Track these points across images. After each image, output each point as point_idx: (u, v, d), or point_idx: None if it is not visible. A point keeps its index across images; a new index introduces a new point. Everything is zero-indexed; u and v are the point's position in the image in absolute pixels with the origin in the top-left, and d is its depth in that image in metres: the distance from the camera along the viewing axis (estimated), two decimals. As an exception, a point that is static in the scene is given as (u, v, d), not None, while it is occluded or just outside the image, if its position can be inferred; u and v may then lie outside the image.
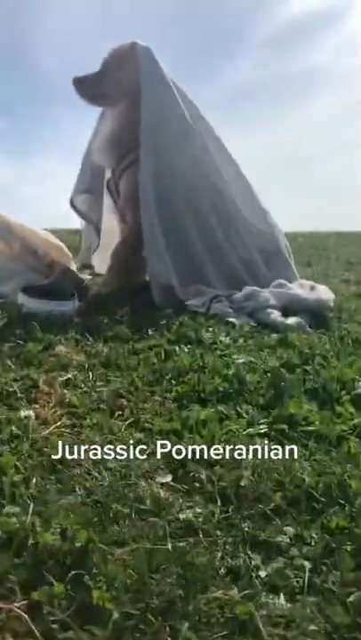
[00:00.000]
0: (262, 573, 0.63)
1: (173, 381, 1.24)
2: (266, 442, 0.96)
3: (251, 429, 1.02)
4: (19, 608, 0.53)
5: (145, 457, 0.87)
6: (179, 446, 0.88)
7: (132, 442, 0.93)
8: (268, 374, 1.31)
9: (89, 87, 2.23)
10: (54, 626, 0.51)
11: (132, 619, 0.53)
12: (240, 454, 0.87)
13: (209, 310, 2.00)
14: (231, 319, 1.91)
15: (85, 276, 2.59)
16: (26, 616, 0.52)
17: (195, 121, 2.27)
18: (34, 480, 0.75)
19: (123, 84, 2.18)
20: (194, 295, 2.10)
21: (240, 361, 1.42)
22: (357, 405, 1.14)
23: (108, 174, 2.38)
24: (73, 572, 0.57)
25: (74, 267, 2.47)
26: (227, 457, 0.87)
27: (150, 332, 1.66)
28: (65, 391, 1.14)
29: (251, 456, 0.88)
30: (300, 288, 2.13)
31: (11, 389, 1.10)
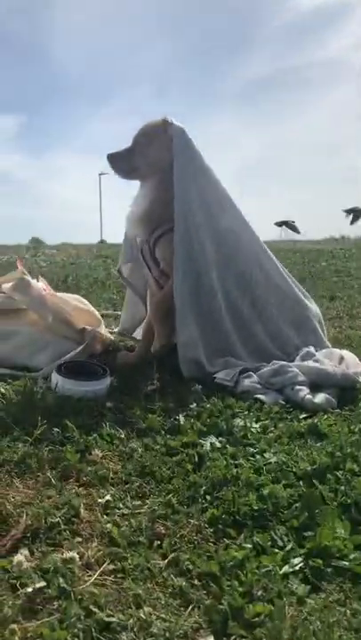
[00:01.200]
0: None
1: (208, 497, 1.28)
2: (302, 586, 1.00)
3: (286, 567, 1.05)
4: None
5: (187, 613, 0.91)
6: (219, 605, 0.91)
7: (171, 590, 0.97)
8: (301, 482, 1.35)
9: (121, 162, 2.30)
10: None
11: None
12: (278, 611, 0.91)
13: (237, 385, 2.03)
14: (260, 396, 1.94)
15: (112, 336, 2.65)
16: None
17: (226, 199, 2.32)
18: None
19: (153, 161, 2.23)
20: (222, 367, 2.14)
21: (272, 460, 1.46)
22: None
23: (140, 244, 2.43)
24: None
25: (103, 328, 2.53)
26: (266, 614, 0.90)
27: (182, 421, 1.70)
28: (105, 517, 1.18)
29: (288, 608, 0.92)
30: (328, 359, 2.15)
31: (54, 520, 1.14)
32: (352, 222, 19.47)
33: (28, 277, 2.33)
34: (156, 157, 2.23)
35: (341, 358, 2.17)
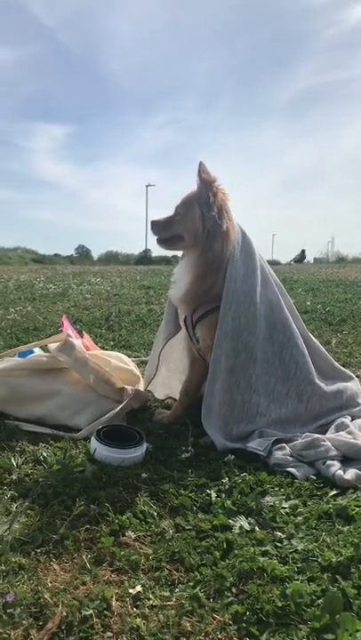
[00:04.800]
0: None
1: (234, 589, 1.33)
2: None
3: None
4: None
5: None
6: None
7: None
8: (326, 576, 1.39)
9: (161, 230, 2.39)
10: None
11: None
12: None
13: (270, 455, 2.08)
14: (292, 470, 1.99)
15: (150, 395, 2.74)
16: None
17: (265, 268, 2.41)
18: None
19: (191, 229, 2.30)
20: (256, 437, 2.20)
21: (299, 548, 1.51)
22: None
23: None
24: None
25: (142, 385, 2.62)
26: None
27: (213, 497, 1.76)
28: (135, 610, 1.25)
29: None
30: (361, 431, 2.18)
31: (87, 612, 1.22)
32: None
33: (72, 339, 2.45)
34: (194, 227, 2.28)
35: (375, 429, 2.19)
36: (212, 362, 2.27)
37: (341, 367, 2.64)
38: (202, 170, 2.27)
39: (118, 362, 2.62)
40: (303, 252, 21.87)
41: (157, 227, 2.44)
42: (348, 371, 2.66)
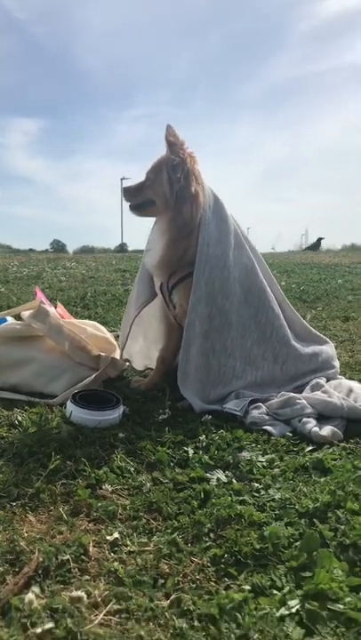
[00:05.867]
0: None
1: (212, 535, 1.34)
2: (297, 629, 1.05)
3: (283, 609, 1.10)
4: None
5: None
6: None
7: (172, 632, 1.02)
8: (303, 521, 1.40)
9: (132, 196, 2.37)
10: None
11: None
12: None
13: (246, 415, 2.09)
14: (268, 428, 2.00)
15: (127, 364, 2.72)
16: None
17: (239, 232, 2.40)
18: None
19: (161, 194, 2.28)
20: (233, 398, 2.20)
21: (277, 497, 1.51)
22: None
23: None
24: None
25: (118, 354, 2.61)
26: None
27: (190, 454, 1.76)
28: (112, 554, 1.24)
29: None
30: (337, 391, 2.19)
31: (64, 557, 1.20)
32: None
33: (46, 306, 2.41)
34: (164, 192, 2.27)
35: (350, 391, 2.21)
36: (186, 327, 2.26)
37: (317, 332, 2.65)
38: (169, 133, 2.25)
39: (94, 330, 2.60)
40: (319, 240, 21.93)
41: (129, 193, 2.43)
42: (323, 335, 2.67)
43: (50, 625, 1.00)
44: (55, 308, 2.74)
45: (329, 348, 2.58)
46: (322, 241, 21.56)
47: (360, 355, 3.32)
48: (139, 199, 2.40)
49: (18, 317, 2.62)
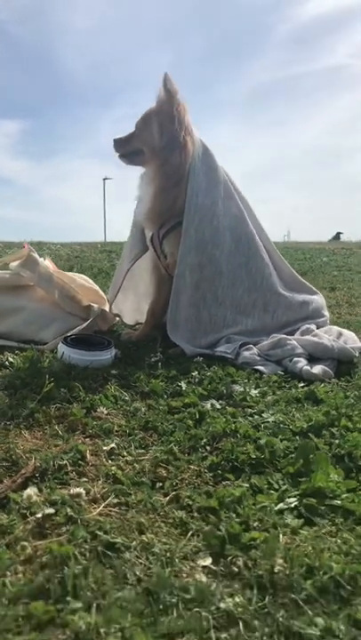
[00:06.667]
0: (296, 666, 0.72)
1: (208, 447, 1.34)
2: (296, 519, 1.05)
3: (281, 504, 1.11)
4: None
5: (187, 539, 0.97)
6: (217, 532, 0.97)
7: (171, 521, 1.03)
8: (298, 437, 1.41)
9: (122, 147, 2.37)
10: None
11: None
12: (273, 538, 0.96)
13: (238, 357, 2.10)
14: (259, 367, 2.00)
15: (117, 318, 2.71)
16: None
17: (229, 183, 2.40)
18: (91, 570, 0.85)
19: (149, 142, 2.28)
20: (224, 342, 2.20)
21: (270, 420, 1.52)
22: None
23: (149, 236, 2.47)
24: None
25: (107, 307, 2.59)
26: (261, 540, 0.96)
27: (184, 386, 1.76)
28: (110, 461, 1.24)
29: (282, 536, 0.98)
30: (327, 334, 2.21)
31: (62, 462, 1.20)
32: None
33: (35, 255, 2.39)
34: (152, 140, 2.27)
35: (340, 334, 2.23)
36: (175, 277, 2.26)
37: (307, 282, 2.67)
38: (167, 81, 2.25)
39: (83, 281, 2.58)
40: (338, 234, 22.70)
41: (118, 143, 2.42)
42: (312, 286, 2.69)
43: (50, 510, 1.00)
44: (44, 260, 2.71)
45: (320, 298, 2.60)
46: (341, 235, 22.36)
47: (347, 316, 3.35)
48: (128, 149, 2.39)
49: (5, 268, 2.59)
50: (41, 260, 2.42)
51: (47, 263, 2.51)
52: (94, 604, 0.78)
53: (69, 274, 2.62)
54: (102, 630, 0.72)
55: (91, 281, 2.67)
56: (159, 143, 2.25)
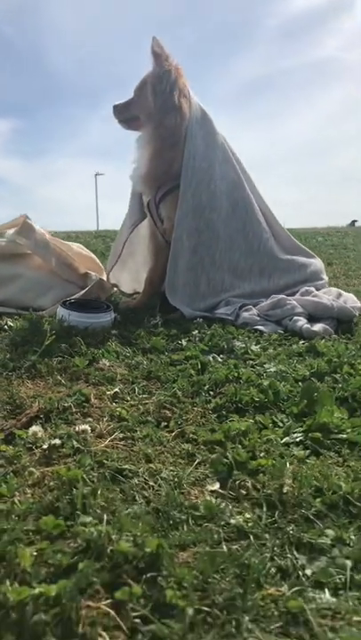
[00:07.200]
0: (308, 572, 0.71)
1: (212, 392, 1.34)
2: (302, 451, 1.05)
3: (287, 438, 1.11)
4: (105, 605, 0.62)
5: (194, 467, 0.97)
6: (224, 459, 0.97)
7: (178, 453, 1.02)
8: (300, 383, 1.40)
9: (120, 112, 2.35)
10: (137, 620, 0.61)
11: (201, 614, 0.62)
12: (280, 464, 0.96)
13: (238, 318, 2.09)
14: (259, 327, 2.00)
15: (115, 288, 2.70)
16: (112, 612, 0.61)
17: (225, 145, 2.38)
18: (100, 491, 0.85)
19: (145, 107, 2.26)
20: (223, 305, 2.20)
21: (272, 370, 1.52)
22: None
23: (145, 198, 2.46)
24: (147, 575, 0.67)
25: (105, 276, 2.58)
26: (268, 466, 0.96)
27: (184, 343, 1.76)
28: (114, 404, 1.24)
29: (290, 464, 0.98)
30: (327, 295, 2.20)
31: (66, 404, 1.19)
32: None
33: (31, 222, 2.37)
34: (147, 105, 2.25)
35: (339, 294, 2.23)
36: (173, 241, 2.24)
37: (305, 247, 2.66)
38: (155, 44, 2.22)
39: (80, 249, 2.56)
40: (353, 221, 22.92)
41: (117, 110, 2.41)
42: (311, 251, 2.68)
43: (56, 441, 0.99)
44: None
45: (317, 262, 2.59)
46: (356, 223, 22.54)
47: (344, 287, 3.33)
48: (126, 115, 2.38)
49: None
50: (37, 227, 2.40)
51: (43, 231, 2.49)
52: (104, 518, 0.78)
53: (66, 242, 2.59)
54: (114, 537, 0.72)
55: (86, 249, 2.65)
56: (153, 106, 2.23)
